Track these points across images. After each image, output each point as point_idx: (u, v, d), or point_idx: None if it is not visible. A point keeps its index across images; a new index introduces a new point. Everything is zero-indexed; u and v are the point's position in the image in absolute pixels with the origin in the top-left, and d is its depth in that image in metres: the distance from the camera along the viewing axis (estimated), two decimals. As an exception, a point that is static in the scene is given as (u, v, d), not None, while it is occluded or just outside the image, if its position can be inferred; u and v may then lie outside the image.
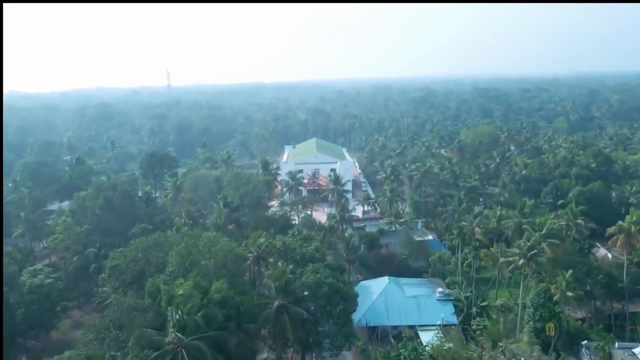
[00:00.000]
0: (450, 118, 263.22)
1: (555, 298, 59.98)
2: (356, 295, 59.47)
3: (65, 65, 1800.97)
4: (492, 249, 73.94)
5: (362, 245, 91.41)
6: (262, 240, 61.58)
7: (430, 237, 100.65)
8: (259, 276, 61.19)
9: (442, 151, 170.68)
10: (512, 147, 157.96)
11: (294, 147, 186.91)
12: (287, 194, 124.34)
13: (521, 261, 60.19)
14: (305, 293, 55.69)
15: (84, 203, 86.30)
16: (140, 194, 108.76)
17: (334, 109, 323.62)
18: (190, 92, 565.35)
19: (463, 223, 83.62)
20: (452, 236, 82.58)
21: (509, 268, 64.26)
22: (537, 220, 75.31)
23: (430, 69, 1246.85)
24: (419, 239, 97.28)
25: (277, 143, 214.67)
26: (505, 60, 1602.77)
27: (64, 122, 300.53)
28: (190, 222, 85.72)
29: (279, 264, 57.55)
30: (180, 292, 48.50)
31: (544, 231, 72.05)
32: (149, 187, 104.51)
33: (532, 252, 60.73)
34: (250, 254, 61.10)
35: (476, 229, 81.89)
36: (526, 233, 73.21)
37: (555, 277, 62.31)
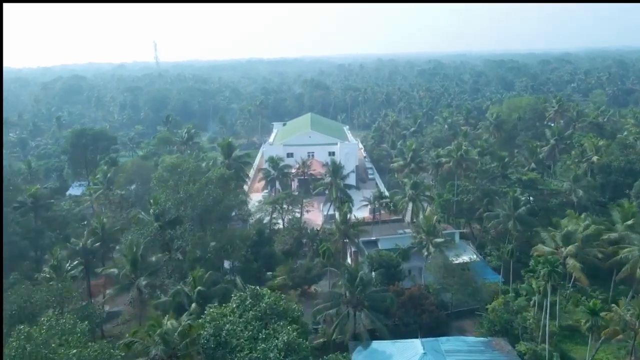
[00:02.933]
0: (468, 92, 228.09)
1: None
2: None
3: (58, 41, 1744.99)
4: (617, 309, 40.80)
5: (374, 274, 58.94)
6: (171, 323, 28.37)
7: (475, 257, 67.77)
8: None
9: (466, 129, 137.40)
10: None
11: (284, 124, 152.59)
12: (269, 188, 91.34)
13: None
14: None
15: None
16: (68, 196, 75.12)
17: (334, 83, 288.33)
18: (180, 67, 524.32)
19: (545, 248, 50.34)
20: (532, 275, 49.08)
21: None
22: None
23: (431, 45, 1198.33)
24: (459, 260, 64.24)
25: (266, 120, 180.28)
26: (506, 37, 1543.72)
27: (29, 98, 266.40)
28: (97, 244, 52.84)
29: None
30: None
31: None
32: (37, 185, 70.81)
33: None
34: (153, 352, 28.09)
35: (570, 260, 48.65)
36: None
37: None
